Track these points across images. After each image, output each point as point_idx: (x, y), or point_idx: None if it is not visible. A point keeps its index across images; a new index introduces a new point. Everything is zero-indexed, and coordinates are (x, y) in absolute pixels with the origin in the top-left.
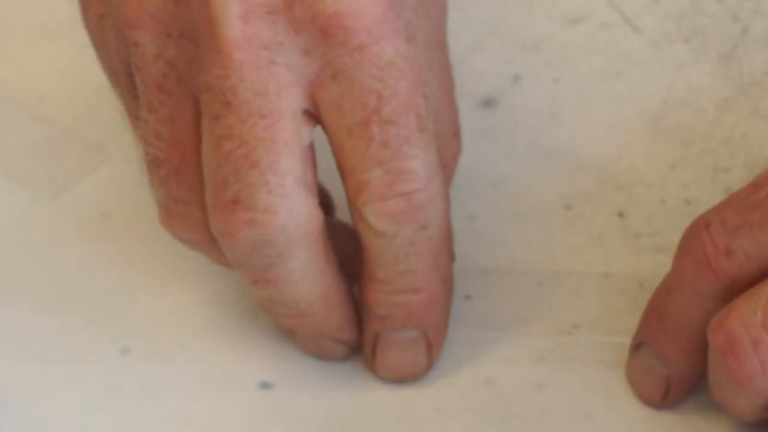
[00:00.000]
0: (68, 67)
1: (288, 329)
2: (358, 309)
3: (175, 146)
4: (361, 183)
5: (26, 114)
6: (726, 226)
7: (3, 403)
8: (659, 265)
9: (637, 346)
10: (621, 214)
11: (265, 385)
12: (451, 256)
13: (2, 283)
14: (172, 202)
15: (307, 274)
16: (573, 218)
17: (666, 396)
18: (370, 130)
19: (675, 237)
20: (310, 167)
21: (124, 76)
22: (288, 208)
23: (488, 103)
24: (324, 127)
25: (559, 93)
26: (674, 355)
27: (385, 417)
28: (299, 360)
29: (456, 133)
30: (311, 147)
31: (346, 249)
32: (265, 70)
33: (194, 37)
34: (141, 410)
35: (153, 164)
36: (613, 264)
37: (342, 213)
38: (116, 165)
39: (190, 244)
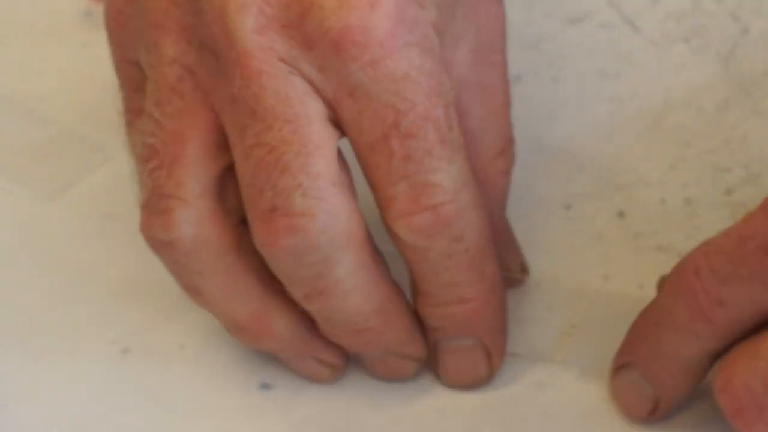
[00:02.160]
0: (68, 67)
1: (354, 352)
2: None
3: (175, 139)
4: (387, 198)
5: (26, 114)
6: (716, 276)
7: (3, 402)
8: (659, 265)
9: (622, 366)
10: (621, 214)
11: (265, 386)
12: (497, 264)
13: (2, 282)
14: (156, 197)
15: (357, 282)
16: (573, 218)
17: (653, 413)
18: (390, 145)
19: (675, 237)
20: (345, 170)
21: (134, 69)
22: (326, 210)
23: None
24: (350, 143)
25: (558, 93)
26: (665, 380)
27: (385, 417)
28: None
29: (504, 150)
30: (341, 154)
31: None
32: (285, 78)
33: (213, 49)
34: (141, 410)
35: (146, 154)
36: (613, 264)
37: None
38: (116, 165)
39: (167, 251)
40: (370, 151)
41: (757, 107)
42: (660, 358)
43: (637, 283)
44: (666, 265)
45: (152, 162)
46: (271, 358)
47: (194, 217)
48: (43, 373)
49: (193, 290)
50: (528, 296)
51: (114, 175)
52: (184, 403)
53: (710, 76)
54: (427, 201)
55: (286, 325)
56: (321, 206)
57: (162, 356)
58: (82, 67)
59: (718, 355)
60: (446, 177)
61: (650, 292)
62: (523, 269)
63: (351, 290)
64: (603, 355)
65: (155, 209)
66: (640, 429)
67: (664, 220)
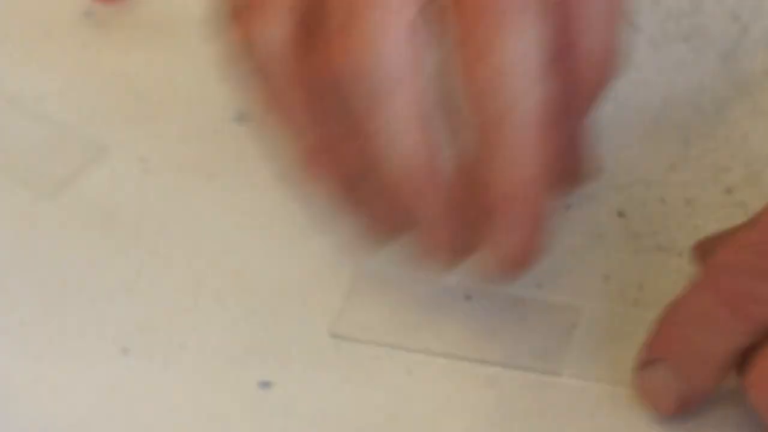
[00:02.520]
0: (68, 67)
1: (384, 215)
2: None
3: None
4: (463, 41)
5: (26, 114)
6: (751, 273)
7: (3, 402)
8: (659, 265)
9: (650, 362)
10: (621, 214)
11: (265, 385)
12: (545, 179)
13: (2, 282)
14: (243, 2)
15: (407, 127)
16: (573, 218)
17: (683, 408)
18: (479, 6)
19: (675, 237)
20: (425, 33)
21: None
22: (392, 43)
23: None
24: None
25: None
26: (696, 376)
27: (385, 417)
28: (299, 360)
29: (604, 60)
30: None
31: None
32: None
33: None
34: (141, 410)
35: None
36: (613, 264)
37: None
38: (116, 165)
39: (249, 52)
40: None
41: (757, 107)
42: (692, 355)
43: (637, 283)
44: (666, 265)
45: None
46: (270, 357)
47: (276, 31)
48: (43, 373)
49: (262, 101)
50: (528, 297)
51: (114, 175)
52: (184, 403)
53: (710, 75)
54: (491, 59)
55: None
56: (388, 38)
57: (162, 356)
58: (82, 67)
59: (749, 348)
60: (515, 49)
61: (650, 292)
62: (590, 172)
63: (399, 132)
64: (603, 356)
65: (242, 13)
66: (641, 429)
67: (664, 220)
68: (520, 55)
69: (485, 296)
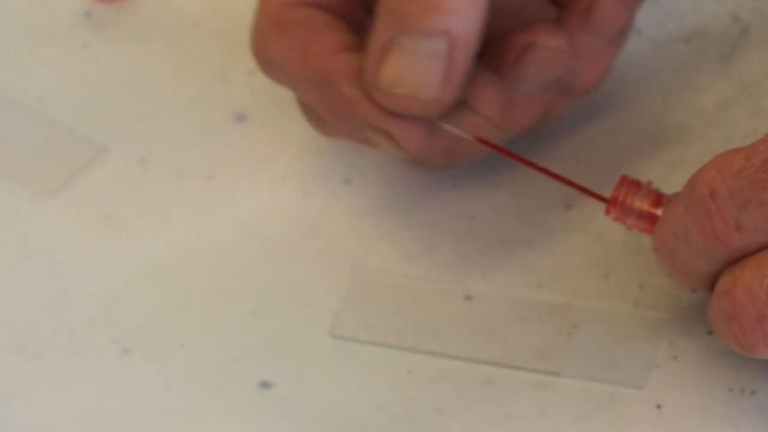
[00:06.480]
0: (68, 67)
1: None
2: None
3: None
4: None
5: (26, 114)
6: (734, 200)
7: (3, 402)
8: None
9: (654, 249)
10: None
11: (265, 385)
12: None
13: (2, 282)
14: None
15: None
16: (573, 218)
17: (692, 290)
18: None
19: None
20: None
21: None
22: None
23: None
24: None
25: None
26: (685, 285)
27: (385, 417)
28: (299, 360)
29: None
30: None
31: None
32: None
33: None
34: (141, 410)
35: None
36: (613, 264)
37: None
38: (116, 165)
39: None
40: None
41: (757, 107)
42: (675, 266)
43: (637, 283)
44: None
45: None
46: (270, 357)
47: None
48: (43, 373)
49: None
50: (528, 296)
51: (114, 175)
52: (183, 403)
53: (710, 76)
54: None
55: None
56: None
57: (162, 356)
58: (82, 67)
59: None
60: None
61: (650, 292)
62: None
63: None
64: (603, 356)
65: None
66: (640, 429)
67: None
68: None
69: (485, 296)
